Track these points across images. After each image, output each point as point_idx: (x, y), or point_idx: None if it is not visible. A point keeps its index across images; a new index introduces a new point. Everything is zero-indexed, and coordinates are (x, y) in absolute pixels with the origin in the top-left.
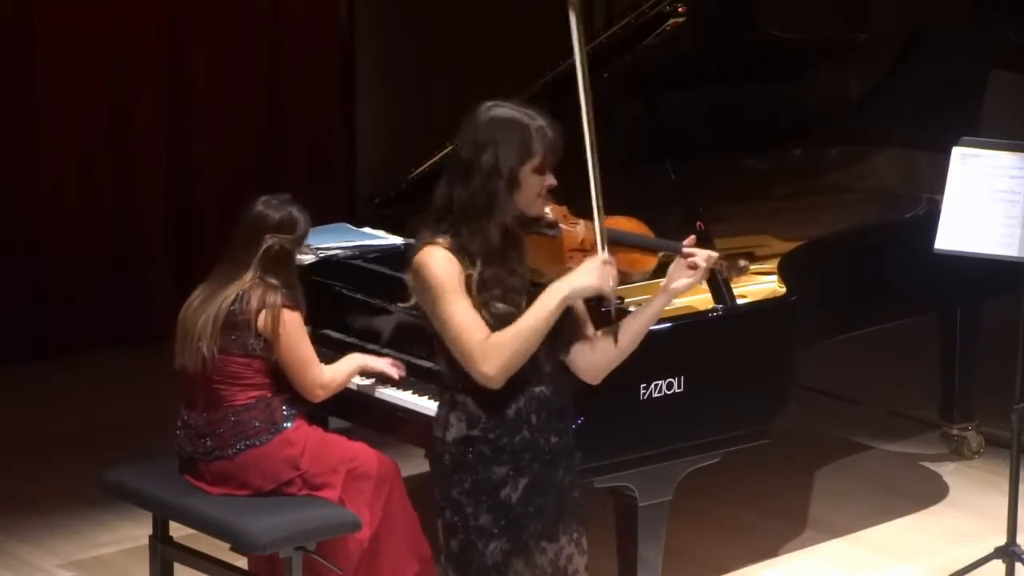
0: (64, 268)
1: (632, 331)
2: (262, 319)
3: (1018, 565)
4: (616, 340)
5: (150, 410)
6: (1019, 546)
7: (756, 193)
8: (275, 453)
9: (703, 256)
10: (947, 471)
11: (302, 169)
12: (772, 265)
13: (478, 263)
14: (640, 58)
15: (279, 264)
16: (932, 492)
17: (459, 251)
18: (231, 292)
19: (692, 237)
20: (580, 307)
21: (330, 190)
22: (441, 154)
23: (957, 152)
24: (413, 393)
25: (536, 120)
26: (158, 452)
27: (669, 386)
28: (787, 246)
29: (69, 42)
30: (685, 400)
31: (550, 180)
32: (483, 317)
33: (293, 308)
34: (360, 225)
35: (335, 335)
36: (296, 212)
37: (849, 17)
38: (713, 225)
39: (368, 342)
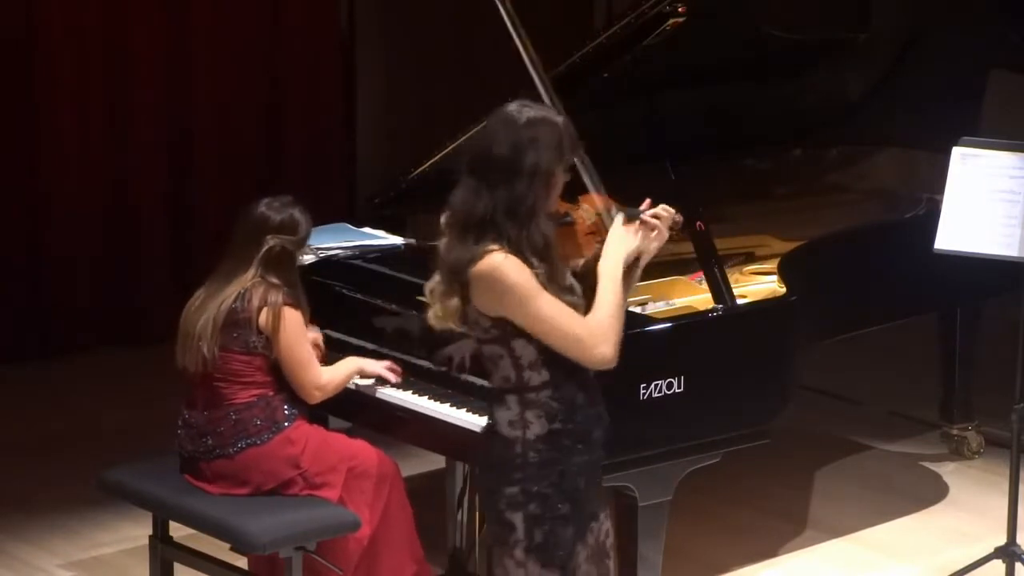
0: (64, 268)
1: (627, 290)
2: (263, 317)
3: (1018, 565)
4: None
5: (150, 410)
6: (1019, 546)
7: (756, 193)
8: (276, 452)
9: (667, 216)
10: (947, 471)
11: (302, 169)
12: (772, 265)
13: (535, 261)
14: (640, 58)
15: (280, 265)
16: (932, 492)
17: (516, 253)
18: (232, 291)
19: (647, 200)
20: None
21: (330, 190)
22: (441, 154)
23: (957, 152)
24: (413, 393)
25: (563, 118)
26: (158, 452)
27: (669, 386)
28: (787, 246)
29: (69, 42)
30: (685, 400)
31: (567, 177)
32: None
33: (295, 307)
34: (360, 225)
35: (335, 335)
36: (298, 214)
37: (849, 17)
38: (713, 225)
39: (368, 342)
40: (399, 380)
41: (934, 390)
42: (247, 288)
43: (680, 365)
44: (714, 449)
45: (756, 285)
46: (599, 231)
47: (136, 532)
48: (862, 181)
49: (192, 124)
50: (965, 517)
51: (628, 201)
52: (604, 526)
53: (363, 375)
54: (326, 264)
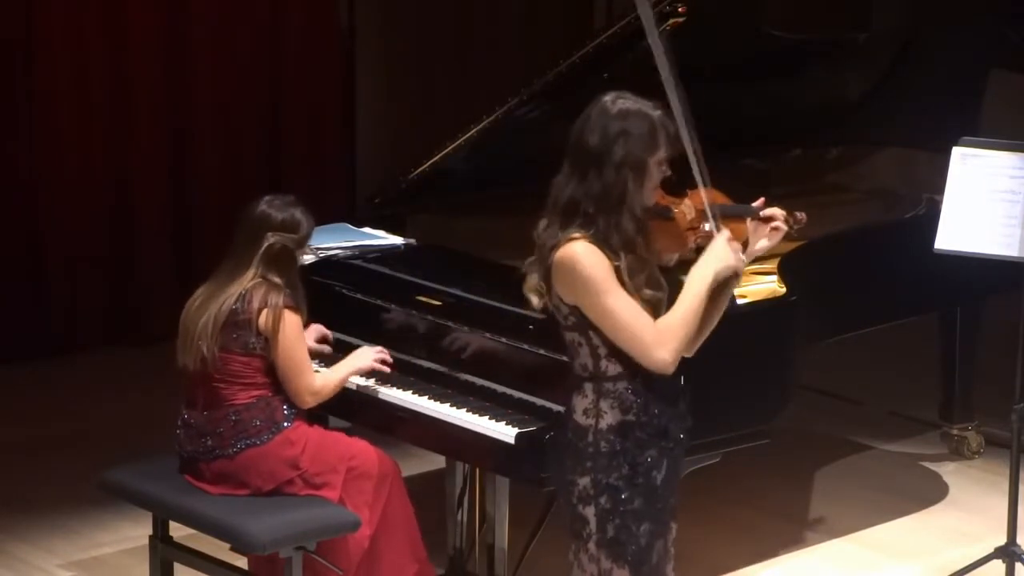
0: (64, 267)
1: (716, 306)
2: (263, 318)
3: (1018, 565)
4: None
5: (150, 410)
6: (1019, 546)
7: (756, 193)
8: (275, 452)
9: (781, 215)
10: (947, 471)
11: (302, 169)
12: (772, 265)
13: (621, 253)
14: (640, 58)
15: (281, 263)
16: (932, 492)
17: (601, 243)
18: (233, 291)
19: (762, 199)
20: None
21: (330, 190)
22: (441, 154)
23: (957, 152)
24: (413, 393)
25: (659, 112)
26: (158, 452)
27: None
28: (787, 246)
29: (69, 42)
30: (685, 400)
31: (667, 171)
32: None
33: (295, 310)
34: (360, 225)
35: (335, 335)
36: (299, 214)
37: (849, 17)
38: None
39: (368, 342)
40: (392, 368)
41: (934, 390)
42: (248, 289)
43: (680, 365)
44: (714, 449)
45: (756, 285)
46: (698, 228)
47: (136, 532)
48: (862, 181)
49: (192, 124)
50: (965, 517)
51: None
52: (675, 531)
53: (358, 373)
54: (326, 264)
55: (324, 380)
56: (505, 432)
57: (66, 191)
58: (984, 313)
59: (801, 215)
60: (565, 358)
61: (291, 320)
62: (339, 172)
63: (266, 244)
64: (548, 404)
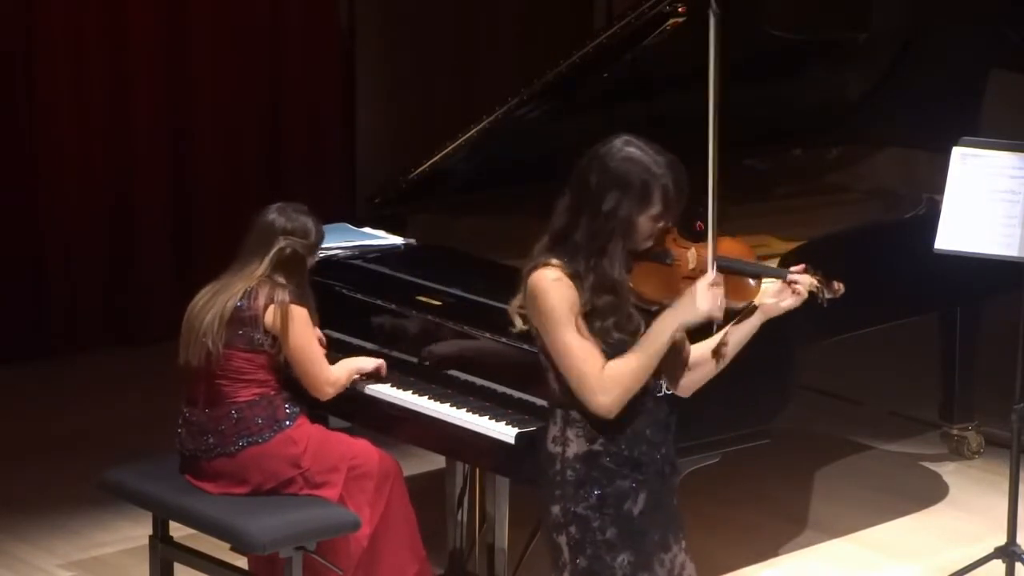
0: (64, 268)
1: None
2: (270, 315)
3: (1018, 565)
4: (718, 361)
5: (150, 410)
6: (1019, 546)
7: (756, 193)
8: (277, 451)
9: (805, 283)
10: (947, 471)
11: (302, 169)
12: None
13: (593, 294)
14: (640, 58)
15: (290, 267)
16: (932, 492)
17: (574, 277)
18: (239, 289)
19: (801, 266)
20: (679, 335)
21: (330, 190)
22: (441, 154)
23: (957, 152)
24: (413, 393)
25: (662, 171)
26: (158, 452)
27: (669, 386)
28: (787, 246)
29: (69, 42)
30: (685, 400)
31: (665, 225)
32: (598, 344)
33: (301, 305)
34: (360, 225)
35: (335, 335)
36: (311, 222)
37: (849, 17)
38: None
39: (368, 342)
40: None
41: (934, 390)
42: (252, 286)
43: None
44: (714, 449)
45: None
46: (692, 283)
47: (136, 532)
48: (862, 181)
49: (192, 124)
50: (965, 517)
51: None
52: (679, 558)
53: (361, 373)
54: (326, 264)
55: (339, 372)
56: (505, 432)
57: (66, 191)
58: (984, 313)
59: (838, 286)
60: None
61: (299, 314)
62: (339, 172)
63: (277, 247)
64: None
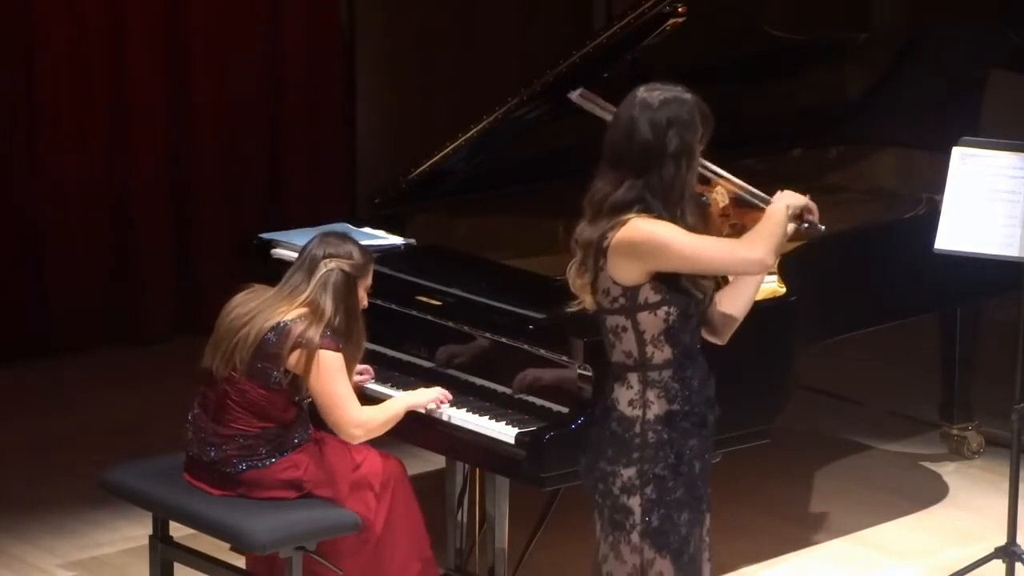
0: (64, 268)
1: (742, 298)
2: (294, 358)
3: (1018, 565)
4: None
5: (150, 410)
6: (1019, 546)
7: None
8: (278, 475)
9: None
10: (947, 471)
11: (302, 169)
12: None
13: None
14: (640, 58)
15: (339, 291)
16: (932, 492)
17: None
18: (277, 313)
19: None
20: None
21: (330, 190)
22: (441, 154)
23: (957, 152)
24: None
25: (689, 96)
26: (158, 452)
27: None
28: (787, 246)
29: (69, 42)
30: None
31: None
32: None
33: (333, 349)
34: (360, 225)
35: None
36: (355, 248)
37: (849, 17)
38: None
39: (368, 342)
40: (449, 400)
41: (934, 390)
42: (288, 322)
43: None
44: (714, 449)
45: None
46: (732, 214)
47: (136, 532)
48: (862, 181)
49: (192, 124)
50: (965, 517)
51: None
52: (708, 522)
53: (417, 408)
54: None
55: (373, 413)
56: (505, 432)
57: (66, 191)
58: (984, 313)
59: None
60: (565, 358)
61: (326, 360)
62: (339, 172)
63: (324, 270)
64: (548, 404)
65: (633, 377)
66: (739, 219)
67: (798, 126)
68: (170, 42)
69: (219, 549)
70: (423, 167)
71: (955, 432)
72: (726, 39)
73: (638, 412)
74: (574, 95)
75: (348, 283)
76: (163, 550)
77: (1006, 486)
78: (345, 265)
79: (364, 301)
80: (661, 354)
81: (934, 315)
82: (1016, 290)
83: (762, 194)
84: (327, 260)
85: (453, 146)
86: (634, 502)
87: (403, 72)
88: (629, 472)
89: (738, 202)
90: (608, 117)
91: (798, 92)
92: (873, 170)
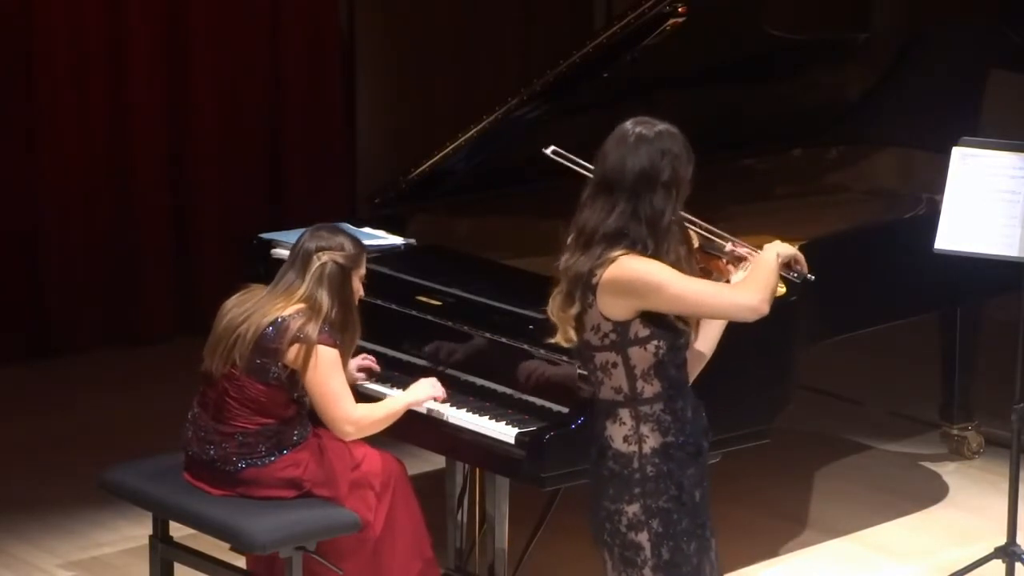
0: (64, 268)
1: (710, 336)
2: (293, 352)
3: (1018, 565)
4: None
5: (150, 410)
6: (1019, 546)
7: (756, 193)
8: (277, 474)
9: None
10: (947, 471)
11: (302, 169)
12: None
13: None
14: (640, 58)
15: (334, 283)
16: (932, 492)
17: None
18: (275, 309)
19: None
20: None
21: (330, 190)
22: (441, 154)
23: (957, 152)
24: None
25: (676, 130)
26: (158, 452)
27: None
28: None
29: (69, 42)
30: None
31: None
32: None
33: (330, 345)
34: (360, 225)
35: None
36: (347, 239)
37: (849, 17)
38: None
39: (367, 342)
40: (446, 399)
41: (934, 390)
42: (286, 316)
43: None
44: (714, 449)
45: None
46: (699, 258)
47: (136, 532)
48: (862, 181)
49: (192, 124)
50: (965, 517)
51: None
52: (715, 544)
53: (414, 406)
54: None
55: (367, 410)
56: (505, 432)
57: (66, 190)
58: (984, 313)
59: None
60: (565, 358)
61: (324, 355)
62: (339, 172)
63: (317, 264)
64: (548, 404)
65: (625, 413)
66: (706, 263)
67: (798, 126)
68: (170, 42)
69: (219, 549)
70: (423, 167)
71: (955, 432)
72: (726, 39)
73: (634, 448)
74: (548, 151)
75: (343, 275)
76: (163, 550)
77: (1006, 486)
78: (339, 257)
79: (360, 291)
80: (651, 388)
81: (934, 315)
82: (1016, 290)
83: (727, 241)
84: (320, 253)
85: (453, 146)
86: (643, 537)
87: (403, 72)
88: (633, 508)
89: (704, 248)
90: (584, 172)
91: (798, 92)
92: (873, 170)
